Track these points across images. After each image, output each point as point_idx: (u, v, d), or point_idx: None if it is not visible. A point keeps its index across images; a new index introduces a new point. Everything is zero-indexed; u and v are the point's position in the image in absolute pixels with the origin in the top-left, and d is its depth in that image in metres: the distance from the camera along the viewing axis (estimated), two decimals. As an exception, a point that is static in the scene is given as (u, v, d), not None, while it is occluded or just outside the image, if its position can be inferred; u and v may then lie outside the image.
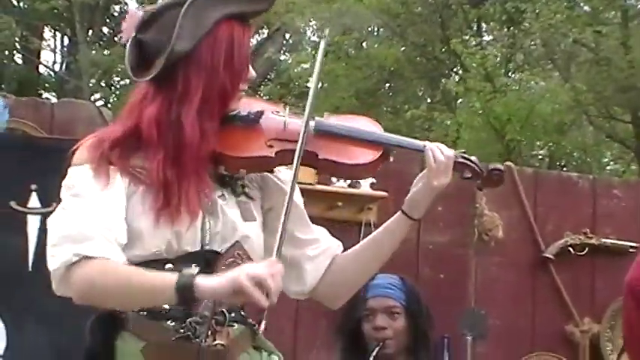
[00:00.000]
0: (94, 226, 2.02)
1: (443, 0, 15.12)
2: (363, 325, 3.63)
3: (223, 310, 2.10)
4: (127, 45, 2.17)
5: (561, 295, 4.69)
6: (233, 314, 2.14)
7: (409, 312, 3.66)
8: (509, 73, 15.55)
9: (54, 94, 17.70)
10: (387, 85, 16.77)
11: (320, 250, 2.27)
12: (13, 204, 3.92)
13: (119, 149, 2.11)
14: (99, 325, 2.15)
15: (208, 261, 2.09)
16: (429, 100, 16.91)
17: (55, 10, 17.00)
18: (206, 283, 1.95)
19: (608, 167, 16.92)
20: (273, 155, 2.14)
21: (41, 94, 16.70)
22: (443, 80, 14.44)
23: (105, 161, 2.09)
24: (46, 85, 18.71)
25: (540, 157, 15.98)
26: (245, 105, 2.19)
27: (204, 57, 2.12)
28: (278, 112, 2.20)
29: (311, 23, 16.49)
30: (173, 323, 2.08)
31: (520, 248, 4.71)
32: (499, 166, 2.34)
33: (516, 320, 4.64)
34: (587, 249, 4.74)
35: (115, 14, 19.53)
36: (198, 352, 2.05)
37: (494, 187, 2.36)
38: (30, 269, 3.89)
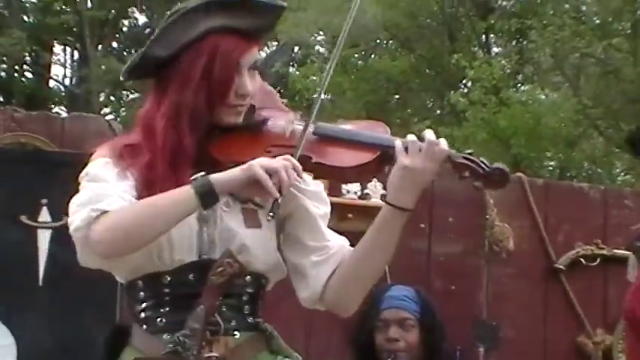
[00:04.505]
0: (110, 190, 2.02)
1: (451, 12, 15.13)
2: (376, 337, 3.62)
3: (218, 319, 2.03)
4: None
5: (573, 306, 4.66)
6: (234, 322, 2.07)
7: (423, 325, 3.64)
8: (518, 86, 15.54)
9: (64, 108, 17.78)
10: (396, 97, 16.78)
11: (326, 256, 2.16)
12: (23, 218, 3.91)
13: (130, 149, 2.11)
14: (105, 342, 2.14)
15: (206, 270, 2.03)
16: (438, 112, 16.90)
17: (65, 25, 17.08)
18: (221, 176, 1.97)
19: (619, 178, 16.87)
20: None
21: (51, 108, 16.76)
22: (450, 92, 14.45)
23: (120, 157, 2.09)
24: (56, 99, 18.80)
25: (551, 168, 15.96)
26: (262, 115, 2.16)
27: (183, 67, 2.09)
28: (291, 121, 2.16)
29: (319, 37, 16.52)
30: (169, 336, 2.02)
31: (531, 259, 4.68)
32: (502, 165, 2.08)
33: (528, 331, 4.62)
34: (598, 259, 4.71)
35: (125, 29, 19.62)
36: None
37: (496, 188, 2.09)
38: (41, 284, 3.89)
